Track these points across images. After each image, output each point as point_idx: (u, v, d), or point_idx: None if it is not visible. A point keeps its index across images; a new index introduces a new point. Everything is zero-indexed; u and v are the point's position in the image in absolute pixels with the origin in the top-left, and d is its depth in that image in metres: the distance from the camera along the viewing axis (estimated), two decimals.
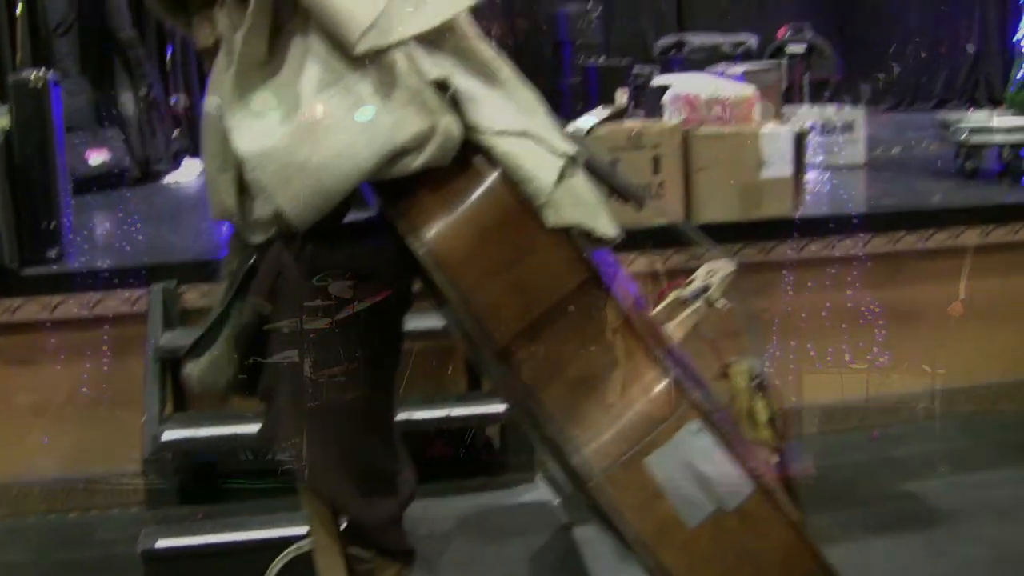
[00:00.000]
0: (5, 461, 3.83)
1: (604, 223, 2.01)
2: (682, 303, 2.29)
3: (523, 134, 1.95)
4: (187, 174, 6.57)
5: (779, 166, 4.03)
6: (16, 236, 3.80)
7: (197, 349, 2.19)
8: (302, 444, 2.12)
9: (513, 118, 1.98)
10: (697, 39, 8.77)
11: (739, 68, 5.74)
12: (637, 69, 7.29)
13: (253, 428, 3.10)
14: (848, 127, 5.89)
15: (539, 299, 2.00)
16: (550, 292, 2.00)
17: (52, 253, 3.92)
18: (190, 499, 3.39)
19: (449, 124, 1.89)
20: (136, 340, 3.72)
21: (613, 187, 2.23)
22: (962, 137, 5.15)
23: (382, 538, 2.23)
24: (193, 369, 2.20)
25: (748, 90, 4.22)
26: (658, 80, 4.58)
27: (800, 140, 4.09)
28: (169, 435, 3.25)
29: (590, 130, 4.00)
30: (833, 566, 2.14)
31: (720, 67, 6.03)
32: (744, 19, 9.39)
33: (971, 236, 4.30)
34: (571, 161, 1.98)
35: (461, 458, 3.64)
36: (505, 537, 2.42)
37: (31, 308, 3.77)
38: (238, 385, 2.20)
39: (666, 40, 8.82)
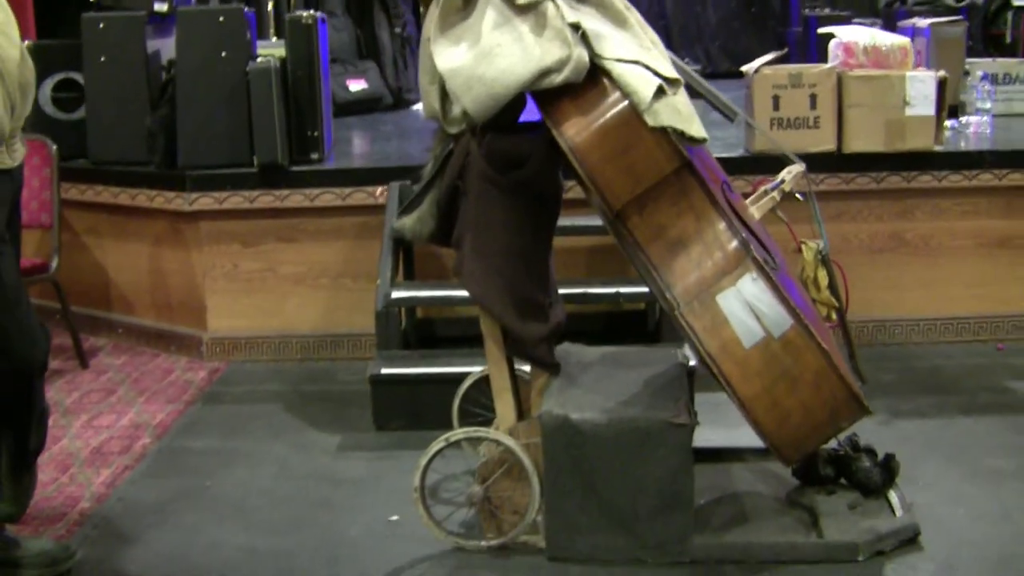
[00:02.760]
0: (272, 317, 4.89)
1: (696, 128, 2.79)
2: (765, 192, 3.04)
3: (635, 62, 2.75)
4: None
5: (922, 106, 4.64)
6: (287, 141, 4.82)
7: (410, 207, 3.11)
8: (480, 276, 2.99)
9: (631, 51, 2.79)
10: None
11: (925, 22, 6.30)
12: (858, 21, 7.80)
13: (456, 292, 4.07)
14: None
15: (644, 178, 2.80)
16: (652, 173, 2.80)
17: (315, 155, 4.92)
18: (410, 347, 4.36)
19: (581, 54, 2.72)
20: (376, 227, 4.68)
21: (711, 103, 3.01)
22: None
23: (534, 351, 3.07)
24: (406, 222, 3.12)
25: (902, 40, 4.81)
26: (824, 30, 5.20)
27: (943, 85, 4.66)
28: (397, 294, 4.20)
29: (757, 70, 4.70)
30: (859, 391, 2.87)
31: (913, 20, 6.58)
32: None
33: None
34: (669, 82, 2.76)
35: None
36: (636, 367, 3.22)
37: (297, 197, 4.80)
38: (438, 235, 3.10)
39: None
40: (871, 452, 3.19)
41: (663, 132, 2.74)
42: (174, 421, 4.19)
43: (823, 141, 4.67)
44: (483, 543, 3.02)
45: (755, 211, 3.02)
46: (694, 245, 2.85)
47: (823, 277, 3.05)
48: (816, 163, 4.68)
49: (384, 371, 3.99)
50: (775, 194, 3.02)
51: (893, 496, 3.13)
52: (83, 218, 5.34)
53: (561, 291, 3.30)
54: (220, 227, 4.88)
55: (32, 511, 3.26)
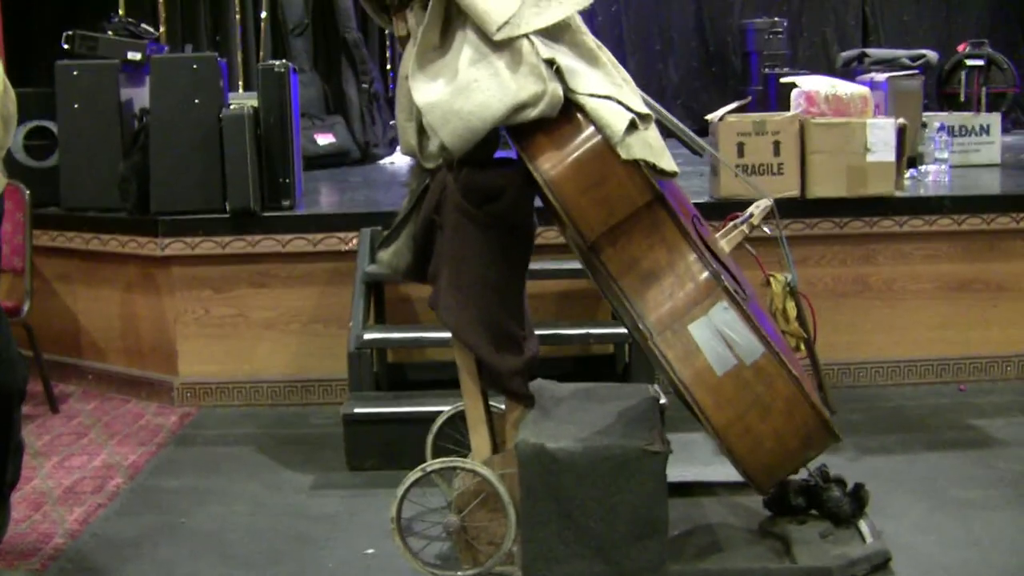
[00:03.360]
0: (243, 362, 4.91)
1: (667, 161, 2.86)
2: (734, 226, 3.12)
3: (608, 97, 2.83)
4: (401, 156, 7.64)
5: (883, 152, 4.76)
6: (259, 187, 4.88)
7: (387, 242, 3.16)
8: (455, 308, 3.04)
9: (604, 87, 2.86)
10: (878, 52, 9.34)
11: (883, 76, 6.47)
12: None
13: (427, 334, 4.10)
14: (985, 130, 6.51)
15: (617, 210, 2.86)
16: (625, 205, 2.86)
17: (286, 202, 4.98)
18: (382, 388, 4.39)
19: (556, 89, 2.79)
20: (347, 272, 4.73)
21: (680, 138, 3.09)
22: None
23: (509, 383, 3.11)
24: (383, 255, 3.16)
25: (862, 89, 4.94)
26: (787, 80, 5.34)
27: (902, 132, 4.79)
28: (369, 335, 4.24)
29: (721, 118, 4.81)
30: (829, 417, 2.93)
31: (871, 75, 6.76)
32: (927, 36, 9.87)
33: None
34: (641, 117, 2.84)
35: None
36: (608, 400, 3.27)
37: (268, 243, 4.84)
38: (414, 269, 3.14)
39: (849, 54, 9.44)
40: (841, 482, 3.24)
41: (635, 165, 2.81)
42: (147, 462, 4.19)
43: (787, 187, 4.78)
44: (459, 574, 3.04)
45: (724, 244, 3.09)
46: (666, 276, 2.92)
47: (791, 309, 3.12)
48: (781, 208, 4.71)
49: (357, 410, 4.02)
50: (744, 227, 3.10)
51: (863, 525, 3.17)
52: (54, 264, 5.36)
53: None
54: (192, 272, 4.91)
55: (5, 546, 3.25)
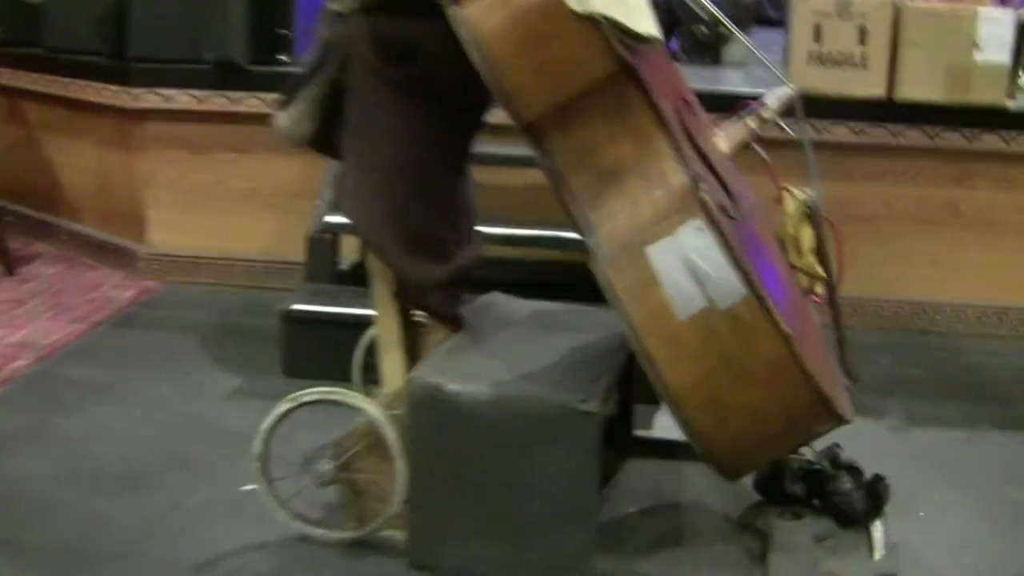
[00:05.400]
0: (217, 236, 4.28)
1: (642, 23, 2.08)
2: (740, 120, 2.33)
3: None
4: None
5: (995, 51, 3.84)
6: (250, 38, 4.17)
7: (286, 103, 2.44)
8: (361, 198, 2.34)
9: None
10: None
11: None
12: None
13: None
14: None
15: (564, 83, 2.10)
16: (576, 77, 2.10)
17: (283, 57, 4.28)
18: (345, 283, 3.69)
19: None
20: None
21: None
22: None
23: (426, 299, 2.42)
24: (280, 120, 2.45)
25: None
26: None
27: (1023, 29, 3.86)
28: (332, 218, 3.54)
29: None
30: (830, 393, 2.16)
31: None
32: None
33: None
34: None
35: None
36: (566, 331, 2.54)
37: (252, 102, 4.15)
38: (317, 140, 2.43)
39: None
40: (855, 470, 2.47)
41: (591, 23, 2.04)
42: (69, 343, 3.60)
43: (871, 85, 3.90)
44: (334, 535, 2.38)
45: (723, 142, 2.30)
46: (630, 177, 2.16)
47: (807, 237, 2.33)
48: (860, 111, 3.94)
49: (296, 307, 3.35)
50: (750, 120, 2.30)
51: (876, 530, 2.41)
52: (36, 110, 4.78)
53: (494, 231, 2.64)
54: (166, 130, 4.27)
55: None
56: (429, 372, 2.26)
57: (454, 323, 2.47)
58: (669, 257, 2.07)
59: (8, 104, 4.85)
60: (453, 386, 2.21)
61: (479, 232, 2.53)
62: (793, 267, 2.33)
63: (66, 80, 4.52)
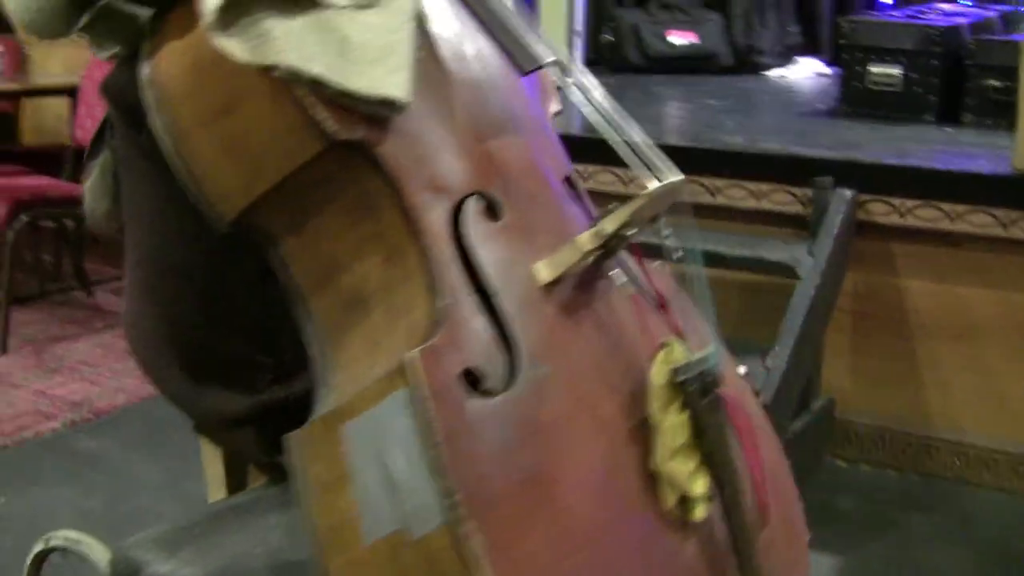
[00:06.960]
0: None
1: (368, 77, 1.38)
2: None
3: None
4: (800, 70, 6.08)
5: None
6: None
7: (86, 174, 1.92)
8: (129, 299, 1.81)
9: None
10: None
11: None
12: None
13: None
14: None
15: (265, 167, 1.45)
16: (277, 160, 1.44)
17: None
18: None
19: None
20: None
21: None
22: None
23: (228, 441, 1.83)
24: (86, 196, 1.94)
25: None
26: None
27: None
28: None
29: None
30: None
31: None
32: None
33: None
34: None
35: None
36: None
37: None
38: (113, 219, 1.89)
39: None
40: None
41: (285, 81, 1.37)
42: None
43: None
44: None
45: (542, 266, 1.49)
46: (376, 307, 1.45)
47: (677, 429, 1.46)
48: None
49: None
50: (585, 236, 1.47)
51: None
52: None
53: None
54: None
55: None
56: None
57: (274, 473, 1.84)
58: (364, 444, 1.35)
59: None
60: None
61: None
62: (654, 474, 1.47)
63: None
